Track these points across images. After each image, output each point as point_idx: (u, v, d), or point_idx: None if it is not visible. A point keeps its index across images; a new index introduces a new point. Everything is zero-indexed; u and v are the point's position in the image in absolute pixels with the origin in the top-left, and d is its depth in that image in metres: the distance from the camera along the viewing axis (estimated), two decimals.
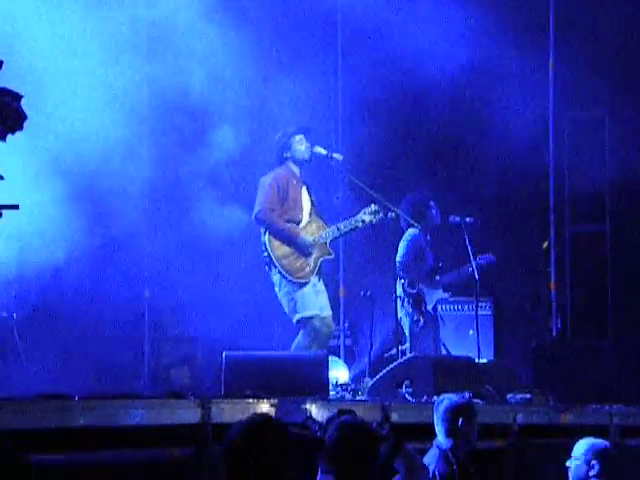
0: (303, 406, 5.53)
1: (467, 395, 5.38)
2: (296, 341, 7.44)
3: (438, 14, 9.34)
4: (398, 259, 8.50)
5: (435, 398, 5.79)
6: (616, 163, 9.93)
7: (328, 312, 7.52)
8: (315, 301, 7.44)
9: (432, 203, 8.64)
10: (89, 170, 7.99)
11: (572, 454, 5.67)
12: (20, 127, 5.02)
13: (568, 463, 5.67)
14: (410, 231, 8.48)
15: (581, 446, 5.68)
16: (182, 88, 8.60)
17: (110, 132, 8.09)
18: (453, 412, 5.27)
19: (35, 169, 7.64)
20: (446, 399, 5.34)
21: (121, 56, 8.26)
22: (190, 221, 8.66)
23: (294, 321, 7.46)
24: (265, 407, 5.52)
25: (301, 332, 7.44)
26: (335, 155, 7.71)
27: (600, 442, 5.71)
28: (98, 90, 8.04)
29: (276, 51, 9.13)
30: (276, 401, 5.53)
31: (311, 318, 7.40)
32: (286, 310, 7.49)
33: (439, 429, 5.31)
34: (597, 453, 5.59)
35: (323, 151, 7.67)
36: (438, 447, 5.29)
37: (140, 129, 8.66)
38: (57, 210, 7.80)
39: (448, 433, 5.27)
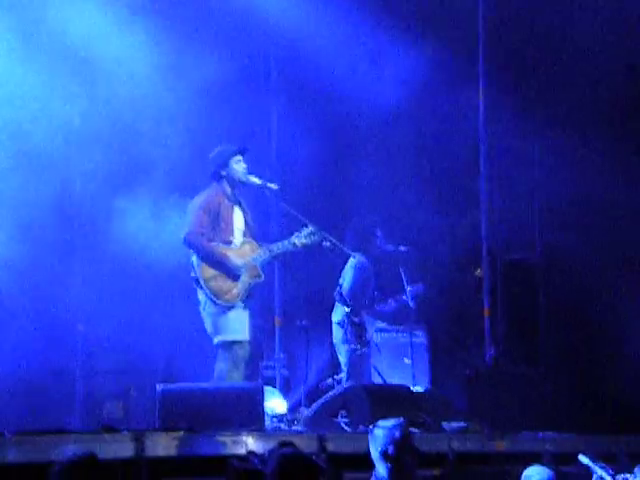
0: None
1: (401, 420, 5.24)
2: (217, 367, 7.40)
3: (370, 47, 9.44)
4: (346, 286, 8.47)
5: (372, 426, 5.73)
6: (546, 194, 10.09)
7: (247, 336, 7.49)
8: (237, 325, 7.42)
9: (378, 231, 8.68)
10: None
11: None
12: None
13: None
14: (358, 259, 8.45)
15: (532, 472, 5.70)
16: (112, 111, 8.55)
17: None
18: (385, 439, 5.14)
19: None
20: (378, 427, 5.22)
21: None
22: (122, 252, 8.57)
23: (214, 342, 7.43)
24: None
25: (219, 355, 7.41)
26: (270, 184, 7.71)
27: (548, 471, 5.73)
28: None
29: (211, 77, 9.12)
30: None
31: (232, 343, 7.39)
32: (207, 329, 7.47)
33: (375, 457, 5.20)
34: None
35: (258, 181, 7.66)
36: (375, 477, 5.22)
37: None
38: None
39: (382, 461, 5.15)
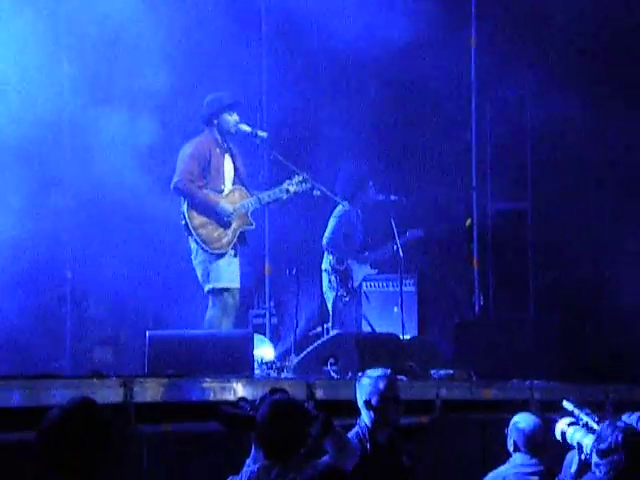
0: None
1: (388, 371, 5.27)
2: (208, 314, 7.45)
3: None
4: (327, 235, 8.53)
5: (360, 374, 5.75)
6: (537, 142, 10.06)
7: (237, 284, 7.52)
8: (227, 273, 7.43)
9: (370, 182, 8.70)
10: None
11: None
12: None
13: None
14: (341, 207, 8.49)
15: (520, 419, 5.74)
16: (106, 70, 8.48)
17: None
18: (369, 388, 5.15)
19: None
20: (364, 375, 5.24)
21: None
22: (111, 197, 8.54)
23: (205, 290, 7.46)
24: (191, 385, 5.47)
25: (210, 303, 7.46)
26: (260, 133, 7.70)
27: (535, 418, 5.77)
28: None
29: (200, 31, 9.03)
30: None
31: (222, 290, 7.40)
32: (199, 278, 7.49)
33: (360, 405, 5.22)
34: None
35: (248, 129, 7.65)
36: (359, 425, 5.21)
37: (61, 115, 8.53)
38: None
39: (366, 410, 5.17)
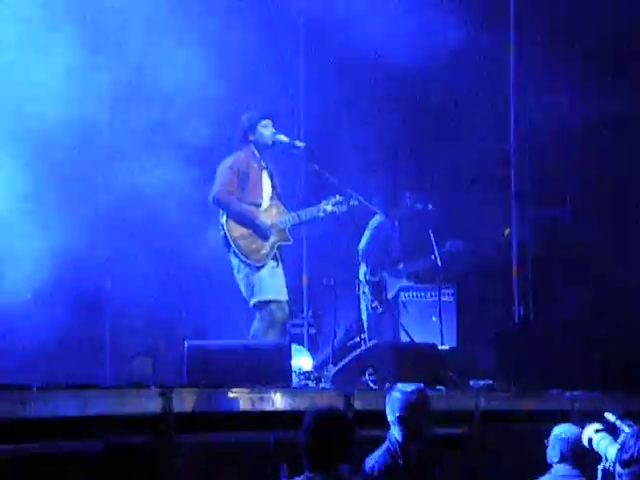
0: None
1: (420, 386, 5.22)
2: (253, 327, 7.43)
3: (396, 2, 9.35)
4: (361, 246, 8.56)
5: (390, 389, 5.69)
6: (577, 150, 9.99)
7: (284, 296, 7.49)
8: (271, 285, 7.41)
9: (407, 194, 8.70)
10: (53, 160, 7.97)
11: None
12: None
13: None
14: (377, 219, 8.51)
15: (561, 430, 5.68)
16: (143, 76, 8.54)
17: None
18: (400, 403, 5.10)
19: None
20: (395, 390, 5.19)
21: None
22: (151, 208, 8.60)
23: (250, 304, 7.44)
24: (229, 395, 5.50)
25: (257, 317, 7.43)
26: (297, 143, 7.71)
27: (576, 429, 5.71)
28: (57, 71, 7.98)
29: (238, 42, 9.08)
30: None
31: (268, 302, 7.39)
32: (243, 293, 7.48)
33: (391, 420, 5.17)
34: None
35: (285, 139, 7.66)
36: (389, 440, 5.15)
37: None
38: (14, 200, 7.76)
39: (397, 425, 5.12)
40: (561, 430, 5.72)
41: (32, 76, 7.89)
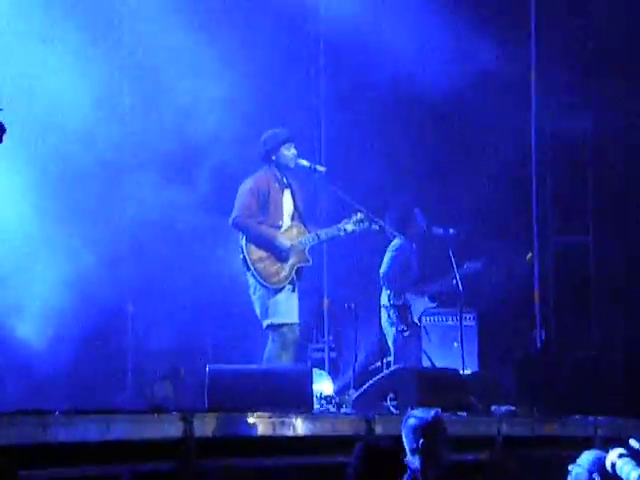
0: None
1: (435, 411, 5.14)
2: (267, 350, 7.44)
3: (419, 21, 9.38)
4: (382, 271, 8.52)
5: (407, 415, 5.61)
6: (598, 174, 9.96)
7: (296, 319, 7.52)
8: (286, 309, 7.44)
9: (416, 210, 8.67)
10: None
11: (577, 461, 5.60)
12: (0, 140, 5.02)
13: (570, 467, 5.60)
14: (396, 242, 8.50)
15: (586, 456, 5.63)
16: (158, 83, 8.61)
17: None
18: (416, 431, 5.00)
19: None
20: (411, 417, 5.08)
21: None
22: (171, 232, 8.63)
23: (264, 326, 7.47)
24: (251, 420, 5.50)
25: (270, 339, 7.45)
26: (318, 167, 7.72)
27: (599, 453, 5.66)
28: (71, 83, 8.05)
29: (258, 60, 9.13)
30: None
31: (281, 325, 7.41)
32: (257, 313, 7.50)
33: (408, 448, 5.04)
34: (601, 467, 5.53)
35: (306, 163, 7.68)
36: (409, 467, 5.03)
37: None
38: (34, 224, 7.81)
39: (413, 452, 5.00)
40: (582, 457, 5.67)
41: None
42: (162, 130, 8.64)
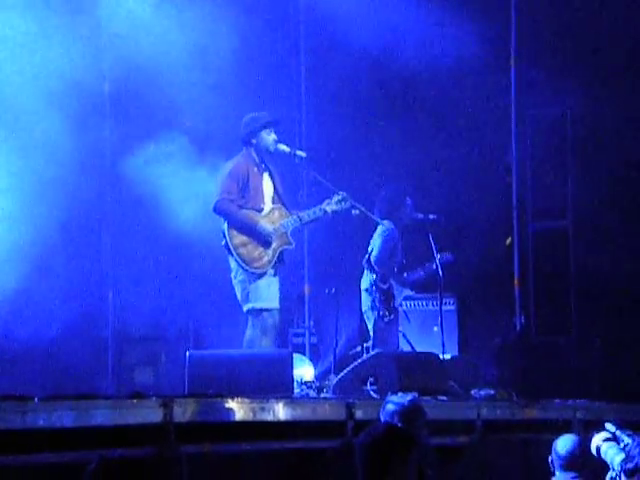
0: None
1: (412, 396, 5.14)
2: (246, 334, 7.47)
3: (399, 10, 9.37)
4: (374, 254, 8.46)
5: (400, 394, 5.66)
6: (578, 160, 9.99)
7: (276, 305, 7.53)
8: (267, 294, 7.45)
9: (408, 199, 8.67)
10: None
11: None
12: None
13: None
14: (386, 225, 8.45)
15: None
16: (147, 76, 8.58)
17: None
18: (394, 416, 5.02)
19: None
20: (389, 402, 5.11)
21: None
22: (152, 219, 8.60)
23: (244, 310, 7.48)
24: (231, 405, 5.50)
25: (250, 323, 7.47)
26: (299, 152, 7.72)
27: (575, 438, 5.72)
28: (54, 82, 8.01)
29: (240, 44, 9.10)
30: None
31: (261, 310, 7.42)
32: (238, 297, 7.51)
33: None
34: None
35: (287, 149, 7.67)
36: None
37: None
38: (15, 209, 7.77)
39: None
40: (557, 441, 5.73)
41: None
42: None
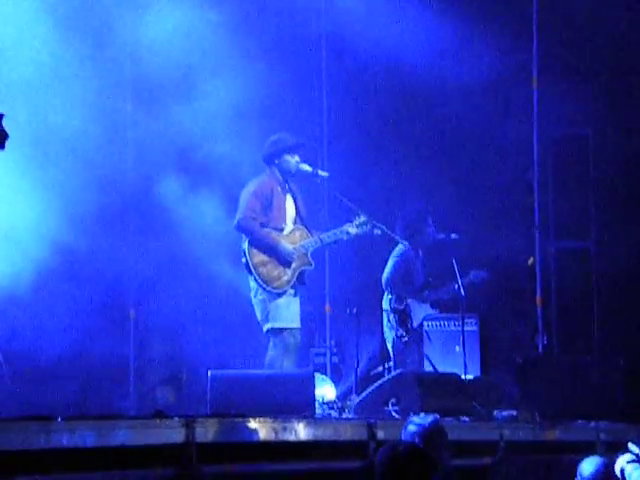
0: None
1: (434, 417, 5.11)
2: (268, 355, 7.46)
3: (421, 28, 9.40)
4: (385, 275, 8.52)
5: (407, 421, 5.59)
6: (600, 180, 9.97)
7: (297, 324, 7.53)
8: (287, 313, 7.45)
9: (429, 220, 8.68)
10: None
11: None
12: (2, 146, 5.03)
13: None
14: (399, 247, 8.50)
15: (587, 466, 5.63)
16: (164, 82, 8.64)
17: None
18: (416, 437, 5.00)
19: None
20: (410, 423, 5.09)
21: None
22: (175, 240, 8.64)
23: (264, 330, 7.47)
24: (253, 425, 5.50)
25: (271, 344, 7.46)
26: (320, 172, 7.74)
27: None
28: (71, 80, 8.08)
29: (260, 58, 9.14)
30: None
31: (282, 330, 7.42)
32: (258, 317, 7.51)
33: None
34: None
35: (309, 168, 7.70)
36: None
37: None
38: (38, 230, 7.82)
39: None
40: (582, 464, 5.67)
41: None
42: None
